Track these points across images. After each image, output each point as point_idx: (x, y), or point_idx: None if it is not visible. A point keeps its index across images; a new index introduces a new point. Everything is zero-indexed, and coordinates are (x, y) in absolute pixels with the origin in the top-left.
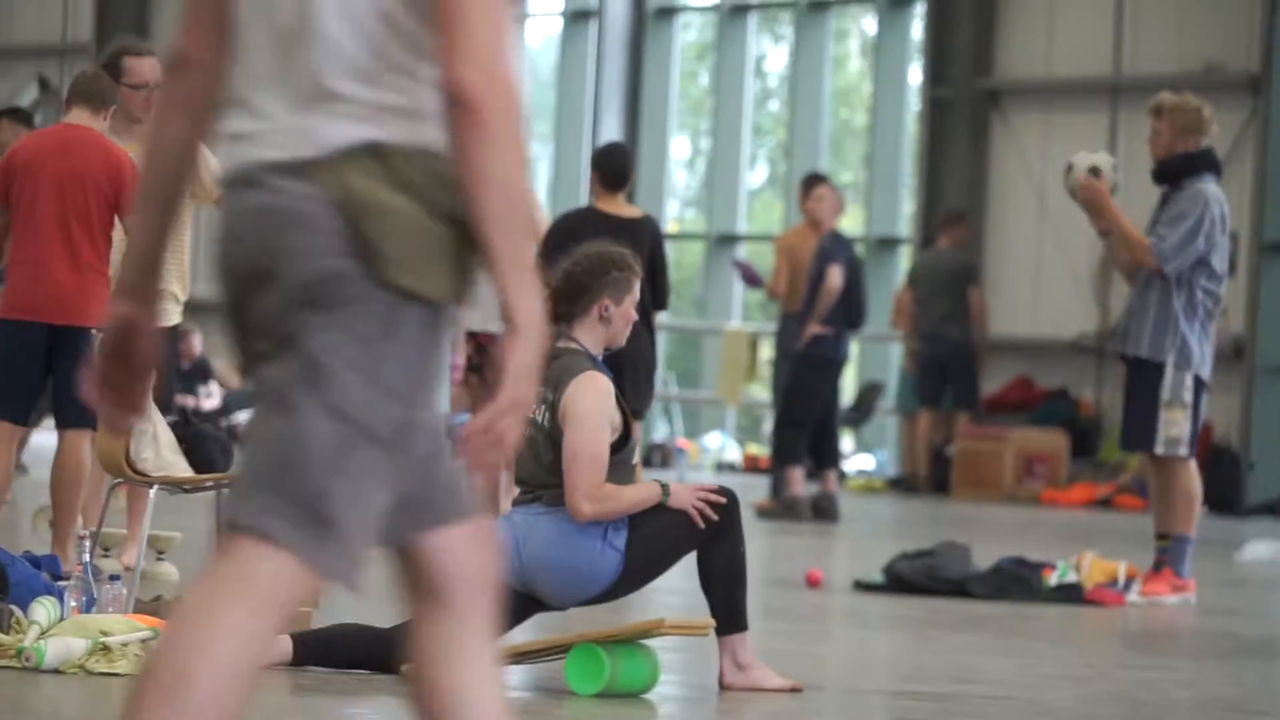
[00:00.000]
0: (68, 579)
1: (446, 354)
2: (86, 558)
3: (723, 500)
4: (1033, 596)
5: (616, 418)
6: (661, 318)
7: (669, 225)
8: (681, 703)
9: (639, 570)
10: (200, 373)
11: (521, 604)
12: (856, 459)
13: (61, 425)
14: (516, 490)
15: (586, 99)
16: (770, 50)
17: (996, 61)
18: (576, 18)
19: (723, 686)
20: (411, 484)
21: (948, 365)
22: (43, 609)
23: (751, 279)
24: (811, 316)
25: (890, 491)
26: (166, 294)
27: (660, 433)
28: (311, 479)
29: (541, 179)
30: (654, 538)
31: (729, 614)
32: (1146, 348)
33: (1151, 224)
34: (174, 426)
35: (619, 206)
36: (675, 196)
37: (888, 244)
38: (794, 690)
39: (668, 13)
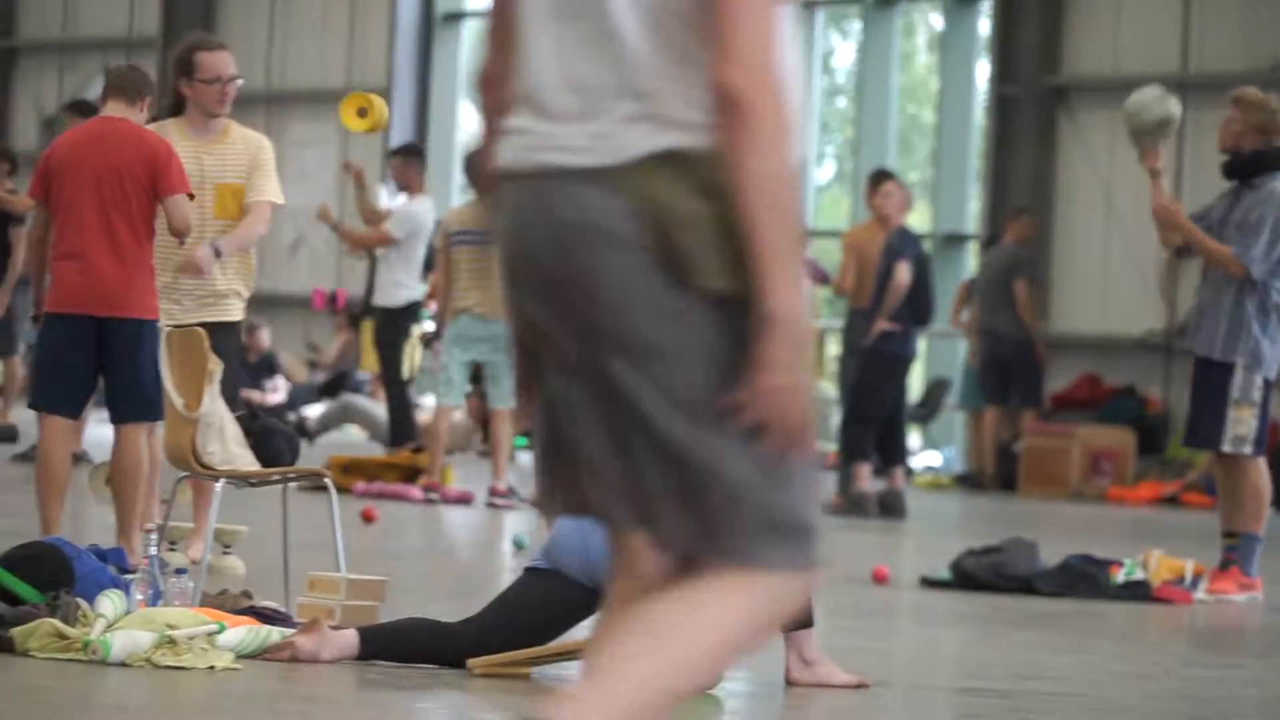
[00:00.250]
0: (134, 572)
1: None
2: (153, 551)
3: None
4: (1099, 594)
5: None
6: None
7: None
8: (748, 698)
9: None
10: (267, 367)
11: (588, 599)
12: (923, 455)
13: (118, 420)
14: None
15: None
16: (838, 46)
17: (1064, 58)
18: None
19: (789, 682)
20: None
21: (1009, 361)
22: (109, 602)
23: (818, 276)
24: (879, 313)
25: (957, 488)
26: (229, 291)
27: None
28: (761, 493)
29: None
30: None
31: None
32: (1219, 350)
33: (1221, 218)
34: (240, 420)
35: None
36: None
37: (955, 240)
38: (860, 686)
39: None
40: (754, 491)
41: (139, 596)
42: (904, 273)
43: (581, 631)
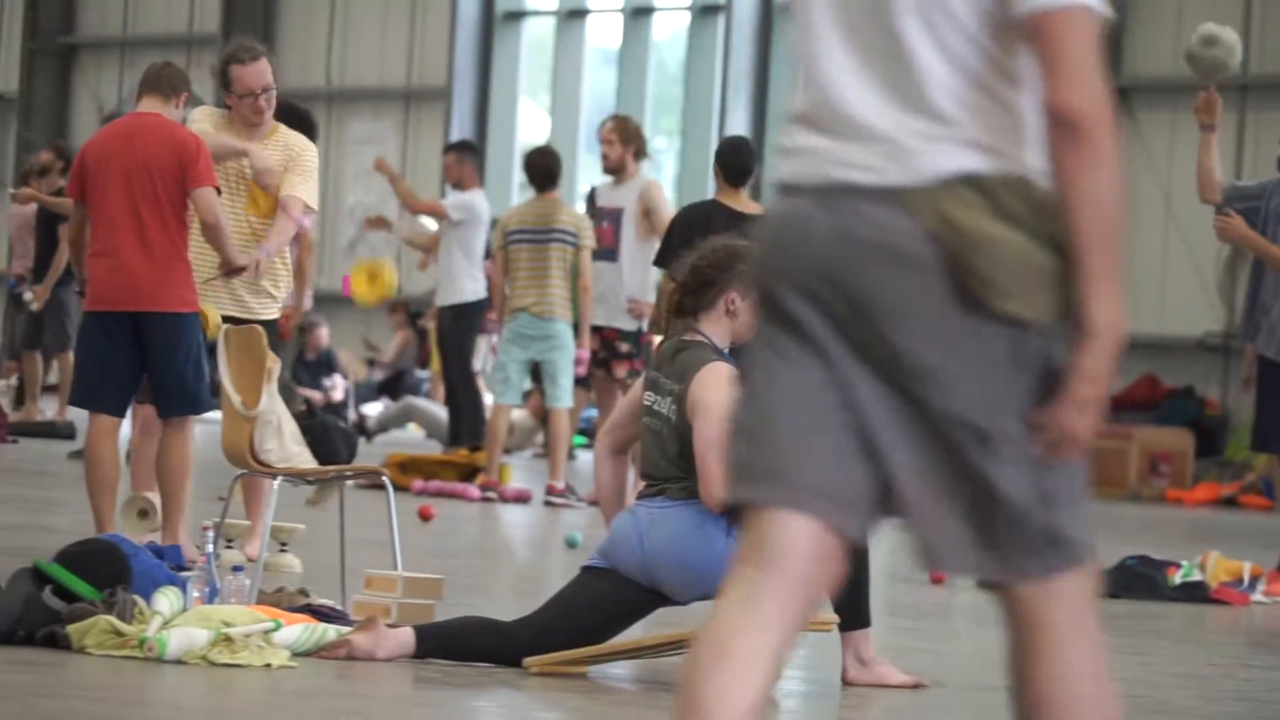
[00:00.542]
0: (190, 569)
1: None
2: (210, 548)
3: None
4: (1157, 595)
5: None
6: None
7: None
8: (804, 698)
9: None
10: (325, 365)
11: (644, 598)
12: None
13: (162, 415)
14: (642, 484)
15: (714, 93)
16: None
17: (1124, 59)
18: (704, 11)
19: (845, 682)
20: None
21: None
22: (165, 599)
23: None
24: None
25: None
26: (263, 291)
27: None
28: (1042, 511)
29: (668, 172)
30: None
31: (852, 610)
32: None
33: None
34: (298, 418)
35: (741, 202)
36: None
37: None
38: (917, 686)
39: None
40: (1036, 510)
41: (195, 594)
42: None
43: (638, 630)
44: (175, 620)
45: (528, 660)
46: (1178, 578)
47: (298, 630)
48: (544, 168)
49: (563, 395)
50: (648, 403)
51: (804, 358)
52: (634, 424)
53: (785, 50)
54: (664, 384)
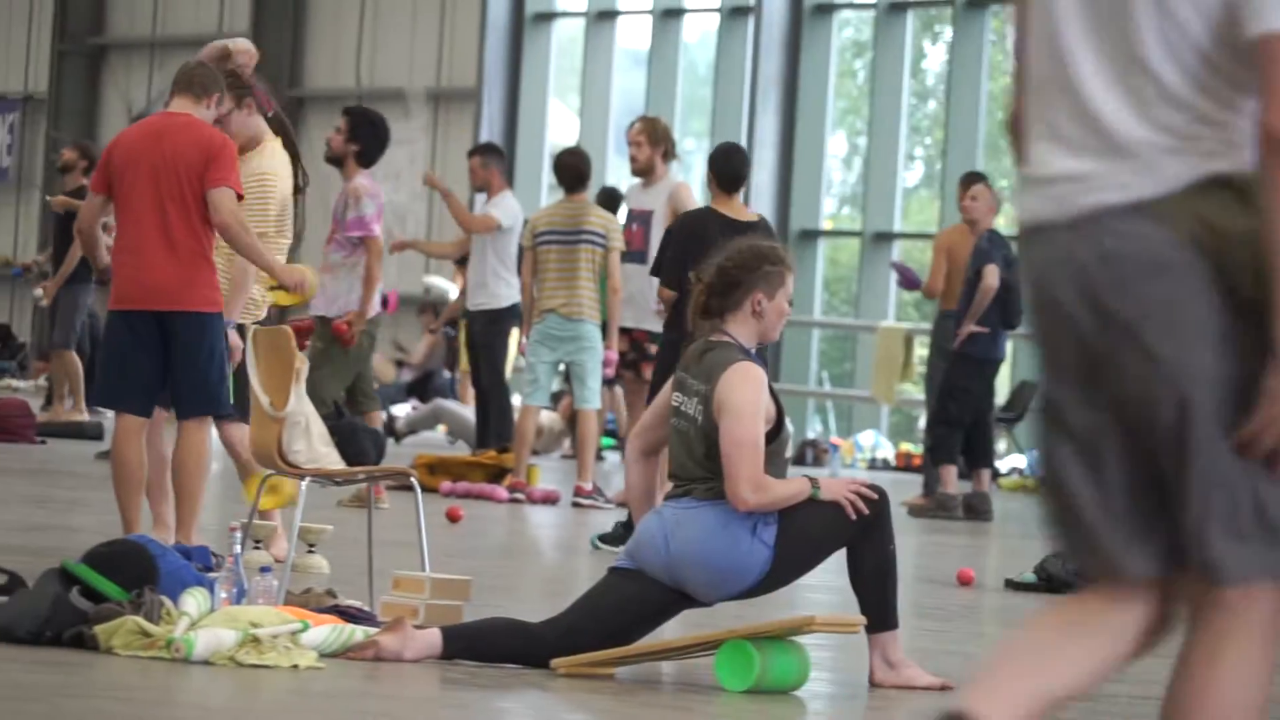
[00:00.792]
0: (218, 570)
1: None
2: (237, 549)
3: (874, 495)
4: None
5: (771, 408)
6: (815, 315)
7: (824, 223)
8: (831, 700)
9: (788, 565)
10: None
11: (670, 599)
12: (1009, 458)
13: (179, 415)
14: (669, 485)
15: (743, 95)
16: (928, 49)
17: None
18: (734, 13)
19: (873, 684)
20: None
21: None
22: (193, 600)
23: (910, 280)
24: (967, 316)
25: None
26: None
27: (814, 430)
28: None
29: (696, 174)
30: (803, 533)
31: (880, 611)
32: None
33: None
34: (326, 419)
35: (734, 209)
36: (831, 194)
37: None
38: (945, 689)
39: (825, 10)
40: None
41: (223, 595)
42: (992, 276)
43: (666, 632)
44: (203, 621)
45: (555, 661)
46: None
47: (325, 631)
48: (574, 168)
49: (591, 397)
50: (675, 404)
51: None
52: (664, 426)
53: (814, 51)
54: (691, 385)
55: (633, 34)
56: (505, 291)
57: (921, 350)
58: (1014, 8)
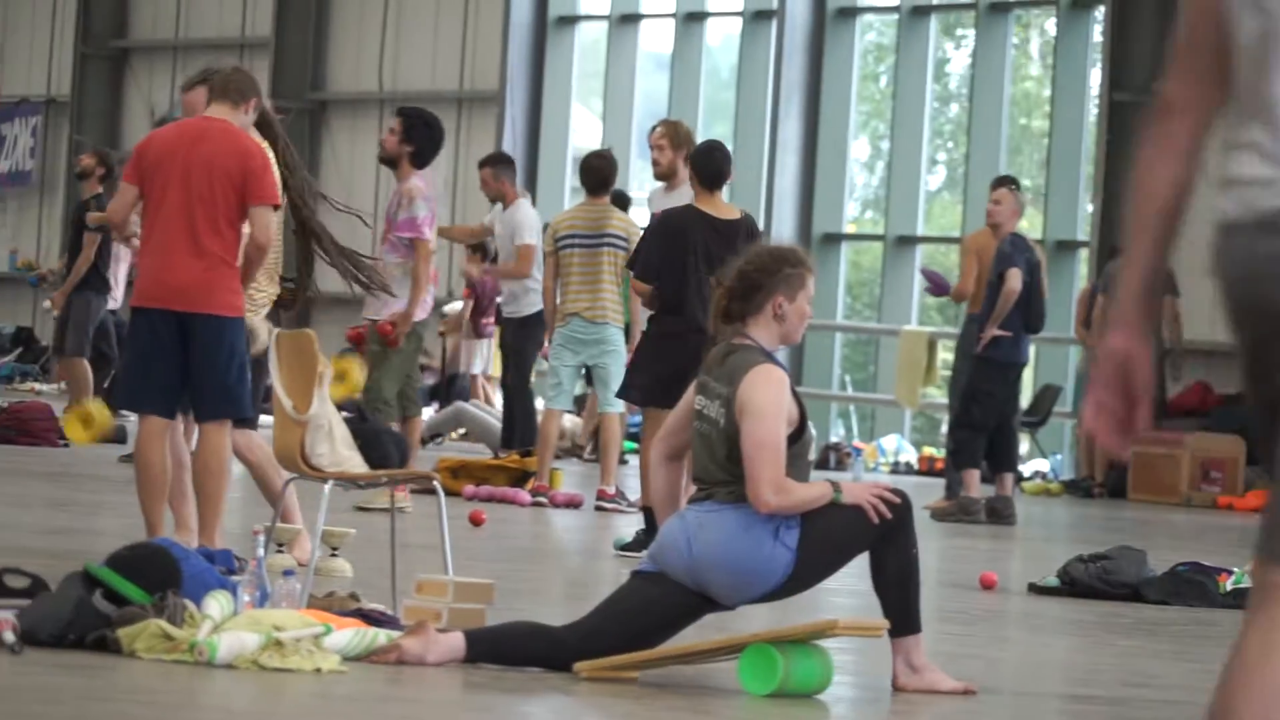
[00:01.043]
0: (241, 573)
1: None
2: (260, 552)
3: (896, 499)
4: (1208, 602)
5: (794, 410)
6: (838, 319)
7: (847, 226)
8: (854, 704)
9: (810, 569)
10: None
11: (693, 603)
12: (1032, 462)
13: (200, 417)
14: (694, 488)
15: (766, 99)
16: (950, 53)
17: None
18: (757, 17)
19: (896, 688)
20: None
21: None
22: (216, 603)
23: (939, 287)
24: (990, 320)
25: (1066, 495)
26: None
27: (837, 434)
28: None
29: None
30: (825, 536)
31: (902, 615)
32: None
33: None
34: (349, 422)
35: (717, 206)
36: (854, 197)
37: (1066, 248)
38: (967, 693)
39: (848, 13)
40: None
41: (246, 598)
42: (1015, 279)
43: (688, 635)
44: (226, 624)
45: (578, 665)
46: (1229, 584)
47: (348, 635)
48: (599, 171)
49: (614, 400)
50: (698, 407)
51: None
52: (688, 430)
53: (837, 55)
54: (713, 387)
55: (655, 37)
56: (535, 299)
57: (945, 354)
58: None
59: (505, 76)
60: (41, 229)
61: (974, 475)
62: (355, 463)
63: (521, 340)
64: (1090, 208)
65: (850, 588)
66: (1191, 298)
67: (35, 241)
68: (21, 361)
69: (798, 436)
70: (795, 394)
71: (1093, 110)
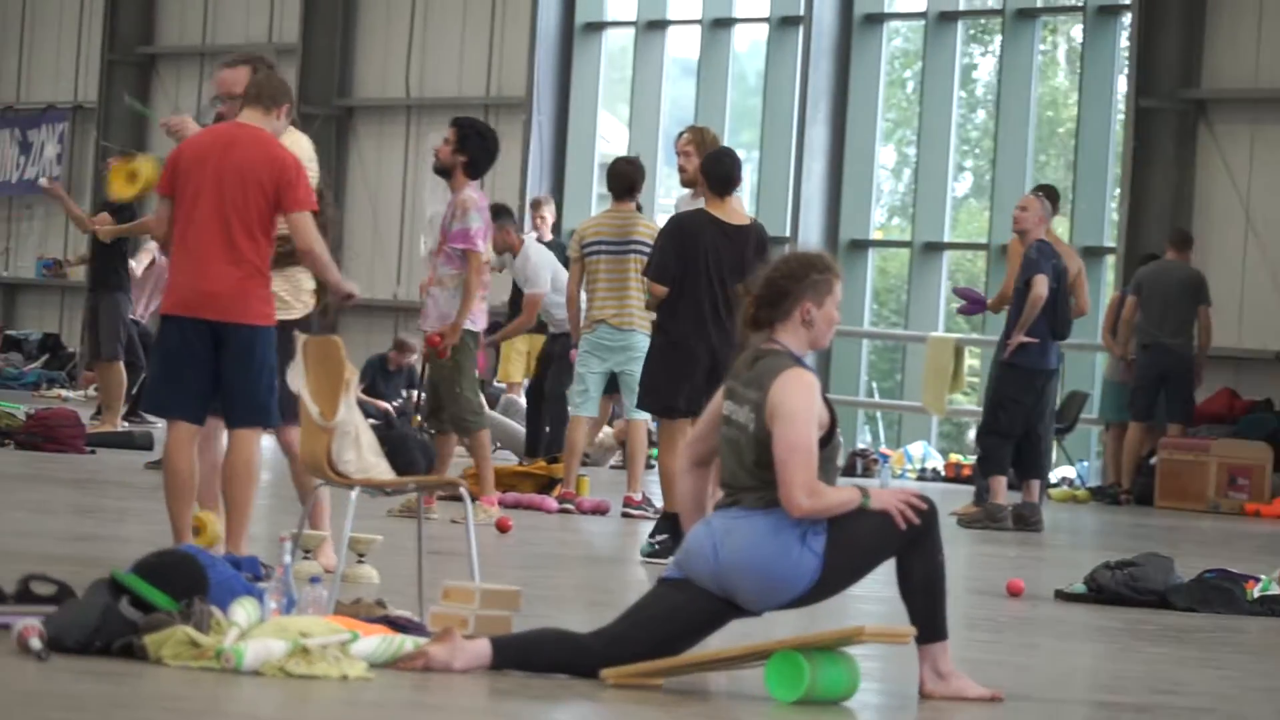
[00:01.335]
0: (267, 580)
1: None
2: (287, 559)
3: (923, 506)
4: (1236, 609)
5: (824, 414)
6: (865, 326)
7: (874, 233)
8: (881, 711)
9: (836, 575)
10: (407, 378)
11: (719, 609)
12: (1059, 469)
13: (230, 425)
14: (720, 493)
15: (793, 105)
16: (978, 59)
17: (1203, 71)
18: (783, 23)
19: (923, 695)
20: None
21: (1167, 377)
22: (243, 610)
23: (975, 304)
24: (1016, 326)
25: (1093, 501)
26: (275, 298)
27: (864, 440)
28: None
29: (746, 185)
30: (852, 542)
31: (929, 622)
32: None
33: None
34: (376, 429)
35: (727, 212)
36: (881, 204)
37: (1093, 253)
38: (995, 700)
39: (875, 20)
40: None
41: (272, 605)
42: (1041, 285)
43: (715, 642)
44: (252, 631)
45: (605, 672)
46: (1256, 591)
47: (375, 641)
48: (626, 177)
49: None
50: (726, 412)
51: None
52: (715, 436)
53: (864, 62)
54: (742, 393)
55: (682, 44)
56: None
57: (973, 361)
58: None
59: (532, 83)
60: (68, 234)
61: (1000, 482)
62: (382, 469)
63: (557, 351)
64: (1117, 215)
65: (877, 594)
66: (1218, 303)
67: (62, 249)
68: (48, 368)
69: (827, 440)
70: (825, 398)
71: (1119, 116)
